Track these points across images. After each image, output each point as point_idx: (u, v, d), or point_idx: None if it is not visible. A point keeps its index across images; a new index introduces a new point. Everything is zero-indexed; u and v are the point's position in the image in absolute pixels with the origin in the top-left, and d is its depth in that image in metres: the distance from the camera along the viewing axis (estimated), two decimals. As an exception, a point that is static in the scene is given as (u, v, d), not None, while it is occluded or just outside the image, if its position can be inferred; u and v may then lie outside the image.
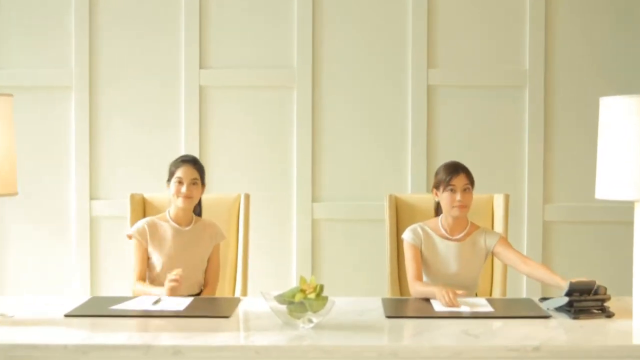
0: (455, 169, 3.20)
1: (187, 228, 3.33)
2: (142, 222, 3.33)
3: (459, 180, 3.18)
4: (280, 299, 2.59)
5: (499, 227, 3.57)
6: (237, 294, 3.55)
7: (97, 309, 2.83)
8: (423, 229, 3.26)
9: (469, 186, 3.20)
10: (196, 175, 3.31)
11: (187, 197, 3.28)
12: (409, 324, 2.66)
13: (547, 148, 4.41)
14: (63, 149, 4.50)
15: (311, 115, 4.41)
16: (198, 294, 3.33)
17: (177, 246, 3.30)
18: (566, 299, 2.74)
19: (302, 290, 2.54)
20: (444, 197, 3.20)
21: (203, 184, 3.36)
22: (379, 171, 4.42)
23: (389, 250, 3.55)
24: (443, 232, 3.26)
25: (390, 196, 3.61)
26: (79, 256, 4.49)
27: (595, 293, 2.76)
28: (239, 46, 4.44)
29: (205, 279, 3.39)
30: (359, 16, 4.43)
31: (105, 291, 4.48)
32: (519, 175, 4.41)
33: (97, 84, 4.46)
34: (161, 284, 3.20)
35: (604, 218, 4.43)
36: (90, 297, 3.11)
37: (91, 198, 4.50)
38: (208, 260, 3.38)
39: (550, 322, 2.66)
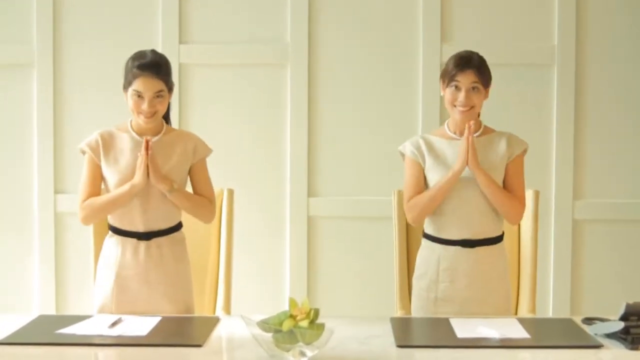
0: (465, 63, 2.91)
1: (153, 140, 2.84)
2: (95, 133, 2.91)
3: (466, 77, 2.90)
4: (265, 326, 2.22)
5: (527, 228, 3.29)
6: (218, 311, 3.18)
7: (40, 334, 2.50)
8: (425, 140, 3.02)
9: (479, 85, 2.92)
10: (161, 86, 2.81)
11: (150, 115, 2.82)
12: (425, 356, 2.34)
13: (578, 135, 4.19)
14: (24, 134, 4.26)
15: (307, 97, 4.19)
16: (176, 227, 2.91)
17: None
18: (621, 324, 2.41)
19: (292, 316, 2.20)
20: (447, 93, 2.95)
21: (170, 90, 2.87)
22: (384, 162, 4.16)
23: (397, 254, 3.28)
24: (451, 134, 3.01)
25: (399, 191, 3.34)
26: (42, 257, 4.24)
27: (656, 317, 2.44)
28: (224, 18, 4.21)
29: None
30: (362, -16, 4.20)
31: (72, 299, 4.25)
32: (546, 167, 4.18)
33: (62, 60, 4.22)
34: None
35: (644, 216, 4.19)
36: (37, 315, 2.75)
37: (56, 191, 4.25)
38: (193, 179, 2.93)
39: (602, 354, 2.34)
